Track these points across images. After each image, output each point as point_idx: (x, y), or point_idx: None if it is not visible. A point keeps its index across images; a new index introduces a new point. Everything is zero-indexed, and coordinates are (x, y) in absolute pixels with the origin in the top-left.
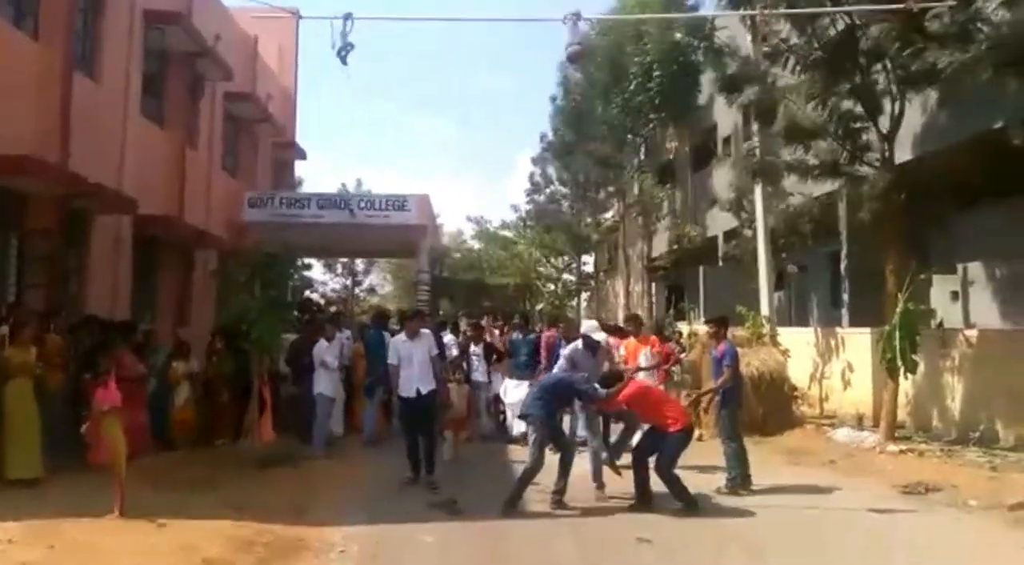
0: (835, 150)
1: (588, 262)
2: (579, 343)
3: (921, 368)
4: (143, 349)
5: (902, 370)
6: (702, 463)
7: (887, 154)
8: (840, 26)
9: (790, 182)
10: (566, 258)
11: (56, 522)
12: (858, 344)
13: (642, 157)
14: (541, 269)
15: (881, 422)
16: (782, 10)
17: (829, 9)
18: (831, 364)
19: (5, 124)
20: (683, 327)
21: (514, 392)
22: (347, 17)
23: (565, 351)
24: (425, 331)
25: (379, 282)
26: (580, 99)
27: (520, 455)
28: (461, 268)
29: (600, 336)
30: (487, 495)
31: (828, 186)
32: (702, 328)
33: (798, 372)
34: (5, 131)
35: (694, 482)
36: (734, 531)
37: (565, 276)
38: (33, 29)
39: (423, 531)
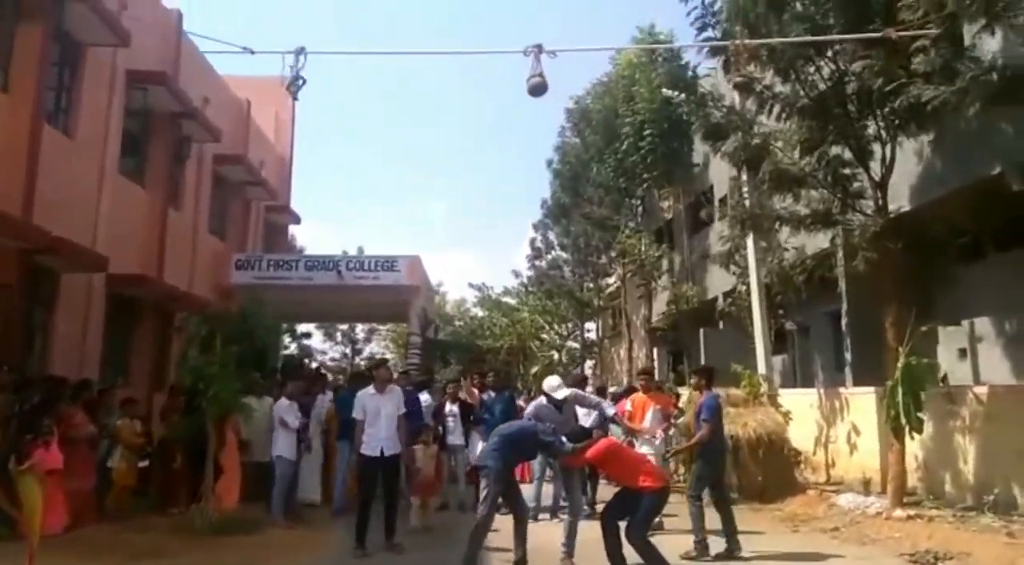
0: (827, 199)
1: (591, 329)
2: (543, 399)
3: (929, 428)
4: (95, 409)
5: (907, 429)
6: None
7: (880, 201)
8: (825, 72)
9: (786, 235)
10: (569, 325)
11: None
12: (863, 405)
13: (639, 219)
14: (544, 336)
15: (888, 486)
16: (757, 40)
17: (807, 39)
18: (836, 427)
19: None
20: (684, 391)
21: None
22: (299, 52)
23: (529, 408)
24: (394, 386)
25: (379, 350)
26: (575, 162)
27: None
28: (463, 336)
29: (562, 393)
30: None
31: (823, 238)
32: (683, 391)
33: (801, 436)
34: None
35: (669, 546)
36: None
37: (569, 343)
38: (3, 82)
39: None
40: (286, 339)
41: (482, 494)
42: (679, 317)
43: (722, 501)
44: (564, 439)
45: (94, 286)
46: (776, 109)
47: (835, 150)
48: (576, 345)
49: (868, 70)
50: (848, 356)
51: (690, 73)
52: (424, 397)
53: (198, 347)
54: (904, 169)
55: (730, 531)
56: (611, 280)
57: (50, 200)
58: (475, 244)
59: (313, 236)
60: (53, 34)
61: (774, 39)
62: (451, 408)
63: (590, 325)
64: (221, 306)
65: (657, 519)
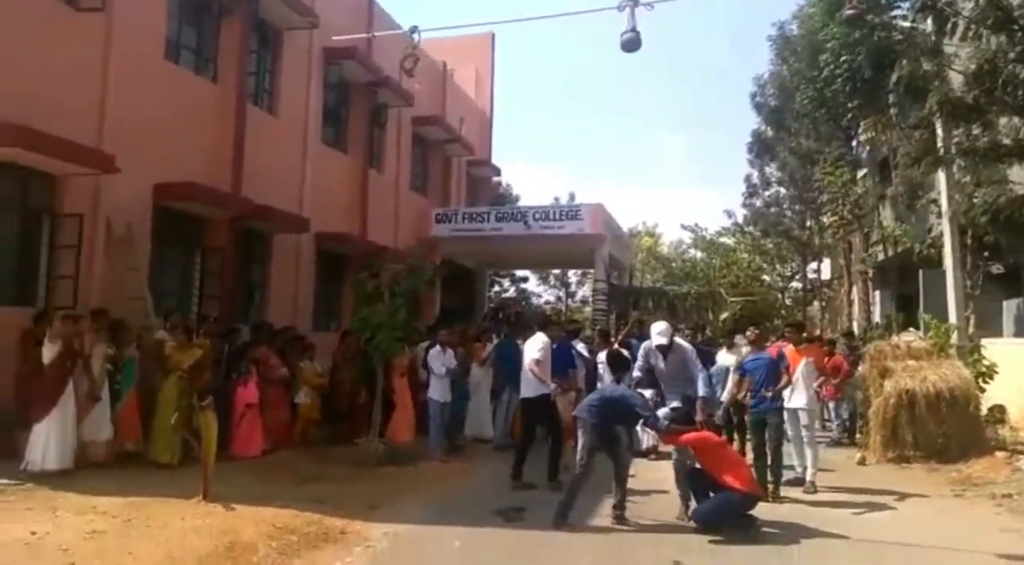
0: (1016, 128)
1: (821, 269)
2: (651, 342)
3: None
4: (289, 353)
5: None
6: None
7: None
8: None
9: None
10: (794, 265)
11: (150, 501)
12: None
13: (857, 152)
14: (765, 277)
15: None
16: None
17: None
18: None
19: (185, 157)
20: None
21: None
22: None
23: (641, 349)
24: (539, 334)
25: (590, 294)
26: (778, 93)
27: (646, 469)
28: (678, 278)
29: (662, 340)
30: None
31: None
32: (907, 337)
33: (1012, 391)
34: (182, 162)
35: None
36: (783, 561)
37: (794, 284)
38: (212, 73)
39: (459, 535)
40: (506, 282)
41: (579, 445)
42: (900, 259)
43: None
44: (660, 415)
45: (303, 245)
46: (960, 28)
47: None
48: (799, 286)
49: None
50: None
51: None
52: (579, 345)
53: (366, 299)
54: None
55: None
56: (832, 218)
57: (258, 172)
58: (712, 183)
59: (539, 180)
60: (252, 24)
61: None
62: (601, 357)
63: (816, 265)
64: (425, 257)
65: (752, 530)
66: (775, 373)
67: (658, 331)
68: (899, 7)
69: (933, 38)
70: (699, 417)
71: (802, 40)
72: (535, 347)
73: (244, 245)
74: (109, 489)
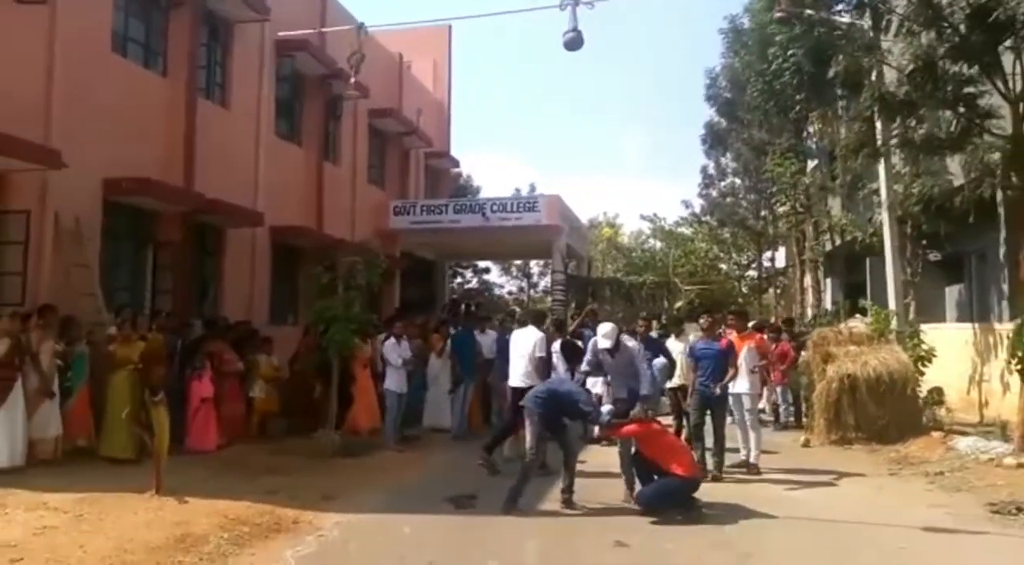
0: (949, 121)
1: (776, 258)
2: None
3: None
4: (244, 346)
5: None
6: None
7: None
8: None
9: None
10: (749, 254)
11: (103, 496)
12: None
13: (807, 143)
14: (722, 266)
15: (1016, 432)
16: None
17: None
18: (990, 365)
19: (135, 151)
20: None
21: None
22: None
23: (590, 344)
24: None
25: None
26: (729, 85)
27: (597, 454)
28: (638, 268)
29: (607, 343)
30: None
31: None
32: (854, 324)
33: (955, 375)
34: (134, 157)
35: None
36: (721, 539)
37: (750, 273)
38: (162, 67)
39: (409, 522)
40: (468, 274)
41: (527, 434)
42: (847, 247)
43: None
44: (604, 411)
45: (258, 238)
46: (894, 25)
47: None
48: (754, 274)
49: None
50: (1006, 288)
51: None
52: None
53: (321, 292)
54: None
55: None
56: (783, 208)
57: (211, 166)
58: (672, 174)
59: (508, 170)
60: (201, 17)
61: None
62: (555, 348)
63: (773, 253)
64: (384, 249)
65: (693, 511)
66: (723, 365)
67: (603, 333)
68: (840, 4)
69: (871, 34)
70: (635, 412)
71: (752, 34)
72: (532, 342)
73: (197, 239)
74: (60, 485)
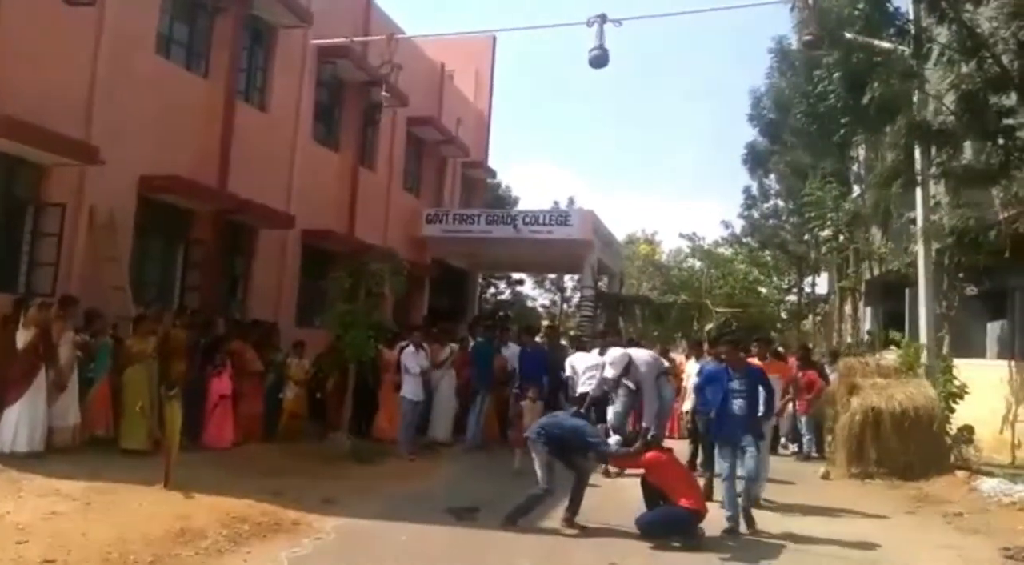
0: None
1: (819, 282)
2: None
3: None
4: (265, 346)
5: None
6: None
7: None
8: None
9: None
10: (790, 279)
11: (114, 486)
12: None
13: (857, 169)
14: (762, 290)
15: None
16: None
17: None
18: None
19: (172, 150)
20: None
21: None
22: None
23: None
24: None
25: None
26: (772, 106)
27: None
28: (675, 287)
29: (611, 371)
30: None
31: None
32: (888, 355)
33: (987, 412)
34: (171, 156)
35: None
36: None
37: (790, 297)
38: (203, 69)
39: (407, 530)
40: (501, 285)
41: (536, 465)
42: (886, 276)
43: None
44: (612, 443)
45: (289, 240)
46: (935, 53)
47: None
48: (794, 299)
49: None
50: None
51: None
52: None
53: (343, 297)
54: None
55: None
56: (825, 233)
57: (246, 167)
58: (709, 194)
59: (554, 183)
60: (245, 22)
61: None
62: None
63: (817, 278)
64: (414, 257)
65: (693, 541)
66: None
67: (610, 361)
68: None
69: (912, 62)
70: (637, 445)
71: (800, 55)
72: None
73: (229, 239)
74: (75, 473)
